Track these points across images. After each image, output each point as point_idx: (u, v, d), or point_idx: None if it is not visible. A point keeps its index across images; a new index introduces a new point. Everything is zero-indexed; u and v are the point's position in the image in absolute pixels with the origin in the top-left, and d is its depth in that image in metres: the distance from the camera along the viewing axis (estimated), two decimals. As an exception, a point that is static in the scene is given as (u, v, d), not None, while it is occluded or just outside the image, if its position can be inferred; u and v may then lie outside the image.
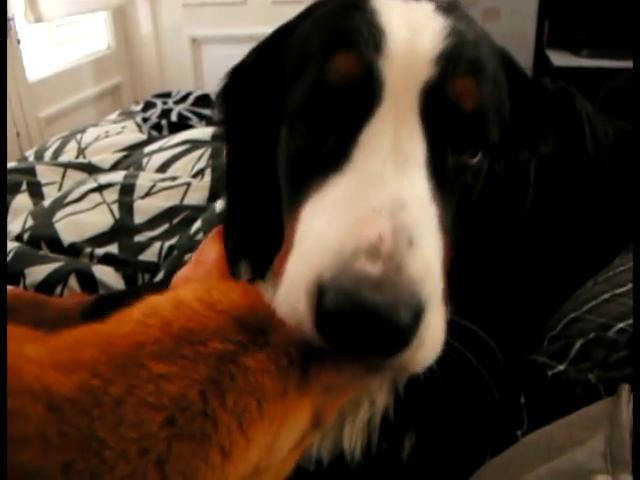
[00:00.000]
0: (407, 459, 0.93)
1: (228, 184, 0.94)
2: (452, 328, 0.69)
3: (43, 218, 1.80)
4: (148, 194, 1.93)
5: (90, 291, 1.53)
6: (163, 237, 1.76)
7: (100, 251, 1.69)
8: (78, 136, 2.43)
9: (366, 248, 0.56)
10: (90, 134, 2.45)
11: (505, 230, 0.94)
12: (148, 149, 2.28)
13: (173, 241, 1.73)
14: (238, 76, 0.89)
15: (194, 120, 2.65)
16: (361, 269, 0.54)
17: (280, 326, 0.54)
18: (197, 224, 1.75)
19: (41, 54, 3.73)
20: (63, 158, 2.28)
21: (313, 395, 0.54)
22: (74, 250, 1.70)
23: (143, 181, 1.98)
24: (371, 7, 0.73)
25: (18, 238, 1.75)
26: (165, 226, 1.81)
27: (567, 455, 0.74)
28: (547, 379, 0.92)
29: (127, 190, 1.93)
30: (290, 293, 0.60)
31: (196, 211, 1.85)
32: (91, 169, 2.16)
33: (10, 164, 2.19)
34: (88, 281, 1.55)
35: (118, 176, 2.02)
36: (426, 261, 0.60)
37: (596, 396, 0.82)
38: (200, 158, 2.17)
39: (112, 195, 1.91)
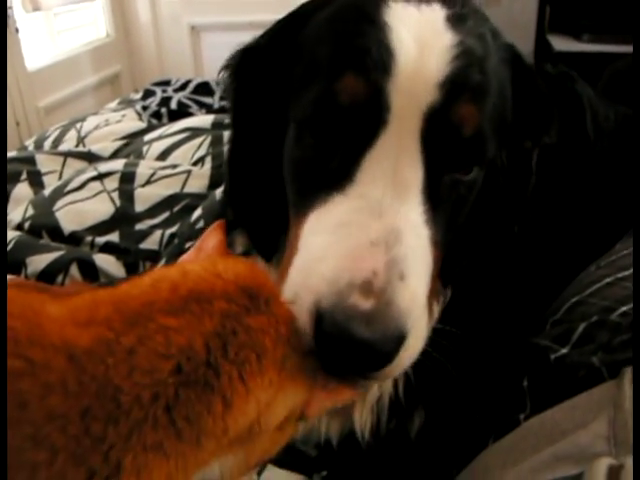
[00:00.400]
0: (416, 437, 0.98)
1: (230, 161, 0.98)
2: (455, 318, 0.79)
3: (43, 207, 1.80)
4: (148, 182, 1.92)
5: (91, 280, 1.53)
6: (164, 225, 1.76)
7: (101, 239, 1.69)
8: (78, 125, 2.42)
9: (360, 283, 0.62)
10: (90, 123, 2.43)
11: (507, 216, 0.94)
12: (148, 137, 2.27)
13: (174, 229, 1.73)
14: (250, 56, 0.90)
15: (194, 108, 2.64)
16: (354, 304, 0.60)
17: (283, 304, 0.58)
18: (198, 212, 1.75)
19: (39, 43, 3.72)
20: (63, 147, 2.27)
21: (308, 383, 0.59)
22: (75, 239, 1.70)
23: (143, 169, 1.98)
24: (384, 20, 0.73)
25: (19, 227, 1.75)
26: (166, 214, 1.81)
27: (570, 438, 0.74)
28: (550, 362, 0.92)
29: (127, 178, 1.93)
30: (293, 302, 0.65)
31: (197, 199, 1.85)
32: (91, 158, 2.15)
33: (10, 153, 2.18)
34: (89, 270, 1.55)
35: (118, 164, 2.01)
36: (414, 291, 0.66)
37: (599, 379, 0.82)
38: (200, 146, 2.15)
39: (112, 183, 1.90)
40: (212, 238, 0.70)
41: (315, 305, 0.63)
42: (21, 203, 1.87)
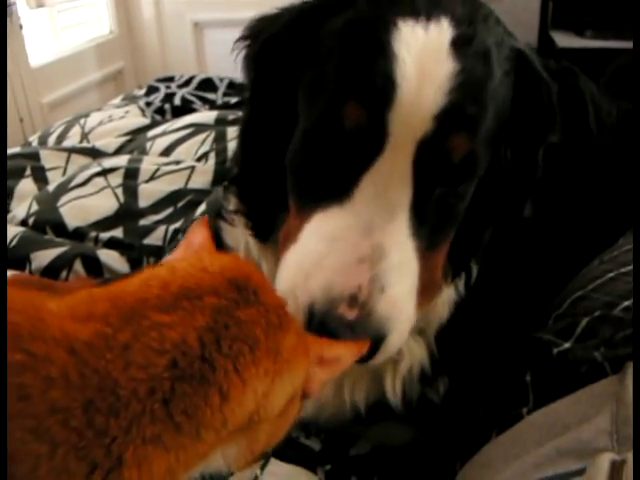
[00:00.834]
0: (441, 402, 1.07)
1: (242, 137, 1.05)
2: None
3: (48, 203, 1.80)
4: (152, 178, 1.92)
5: (95, 275, 1.54)
6: (168, 221, 1.76)
7: (105, 235, 1.70)
8: (82, 121, 2.41)
9: (347, 296, 0.74)
10: (94, 119, 2.43)
11: (513, 207, 0.96)
12: (152, 133, 2.27)
13: (178, 225, 1.73)
14: (268, 45, 0.94)
15: (197, 104, 2.64)
16: (342, 314, 0.73)
17: (271, 291, 0.59)
18: (201, 207, 1.75)
19: (43, 39, 3.71)
20: (67, 143, 2.27)
21: (308, 360, 0.61)
22: (79, 234, 1.70)
23: (147, 165, 1.98)
24: (390, 47, 0.77)
25: (23, 223, 1.75)
26: (170, 210, 1.81)
27: (573, 433, 0.74)
28: (553, 357, 0.92)
29: (131, 174, 1.93)
30: (291, 304, 0.72)
31: (200, 194, 1.85)
32: (95, 153, 2.15)
33: (14, 149, 2.18)
34: (93, 265, 1.56)
35: (122, 160, 2.01)
36: (393, 300, 0.77)
37: (602, 374, 0.82)
38: (204, 142, 2.16)
39: (116, 179, 1.90)
40: (198, 234, 0.72)
41: (310, 307, 0.75)
42: (25, 199, 1.87)
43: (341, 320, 0.73)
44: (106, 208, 1.79)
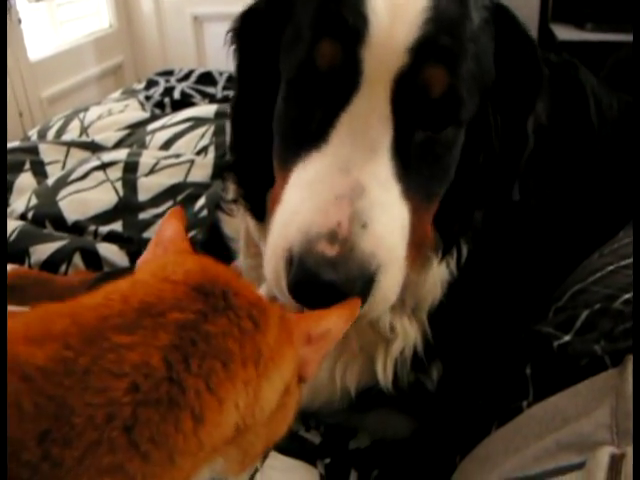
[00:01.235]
0: (435, 389, 1.05)
1: (233, 116, 1.03)
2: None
3: (47, 197, 1.80)
4: (152, 171, 1.92)
5: (95, 269, 1.54)
6: (167, 214, 1.75)
7: (104, 229, 1.70)
8: (81, 115, 2.41)
9: (326, 233, 0.69)
10: (93, 112, 2.43)
11: (504, 178, 0.96)
12: (151, 127, 2.27)
13: (177, 218, 1.72)
14: (249, 20, 0.95)
15: (197, 98, 2.63)
16: (321, 251, 0.69)
17: (242, 289, 0.56)
18: (201, 201, 1.75)
19: (42, 33, 3.70)
20: (66, 137, 2.27)
21: (296, 346, 0.58)
22: (78, 228, 1.70)
23: (146, 159, 1.98)
24: None
25: (22, 217, 1.75)
26: (169, 203, 1.81)
27: (572, 426, 0.74)
28: (553, 350, 0.92)
29: (131, 168, 1.93)
30: (272, 257, 0.75)
31: (200, 188, 1.85)
32: (94, 147, 2.15)
33: (13, 143, 2.17)
34: (92, 259, 1.56)
35: (121, 154, 2.01)
36: (378, 236, 0.72)
37: (602, 367, 0.82)
38: (203, 135, 2.16)
39: (116, 173, 1.90)
40: (168, 228, 0.69)
41: (288, 252, 0.72)
42: (24, 193, 1.86)
43: (321, 258, 0.68)
44: (105, 202, 1.78)
